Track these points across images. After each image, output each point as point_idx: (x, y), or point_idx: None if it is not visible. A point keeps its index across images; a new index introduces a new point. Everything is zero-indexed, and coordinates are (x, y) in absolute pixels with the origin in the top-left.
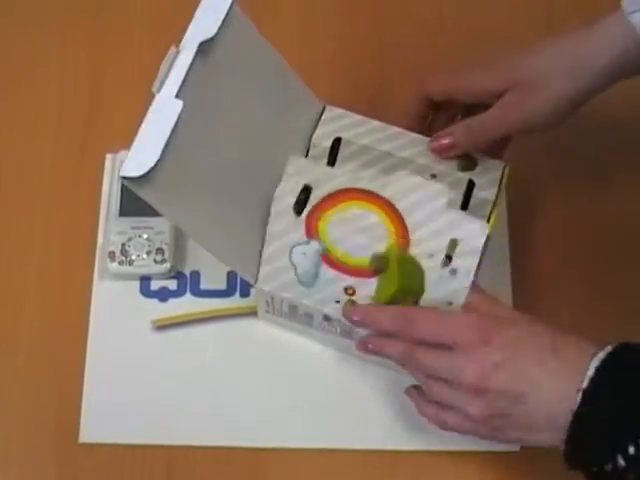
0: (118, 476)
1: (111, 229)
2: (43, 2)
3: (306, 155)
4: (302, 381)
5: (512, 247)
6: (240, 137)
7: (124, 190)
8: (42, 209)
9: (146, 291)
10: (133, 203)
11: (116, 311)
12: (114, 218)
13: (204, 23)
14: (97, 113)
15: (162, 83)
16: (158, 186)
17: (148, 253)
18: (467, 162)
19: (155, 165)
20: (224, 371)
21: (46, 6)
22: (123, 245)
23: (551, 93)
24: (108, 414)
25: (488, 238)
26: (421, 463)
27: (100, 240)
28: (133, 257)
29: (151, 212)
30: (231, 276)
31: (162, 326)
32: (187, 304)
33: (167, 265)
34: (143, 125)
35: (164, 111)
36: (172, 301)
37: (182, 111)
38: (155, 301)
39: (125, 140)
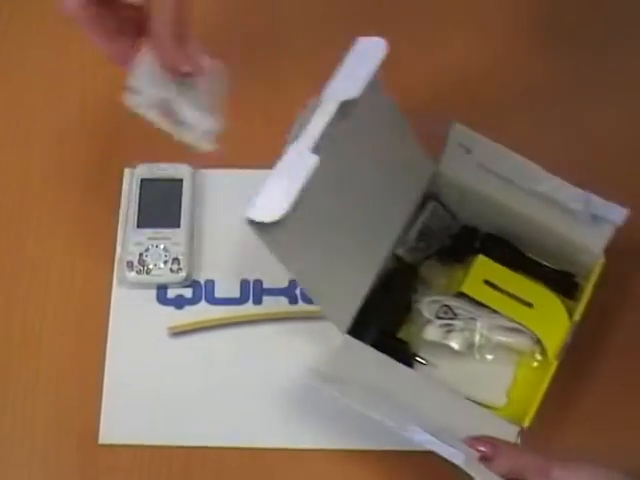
0: (136, 476)
1: (129, 240)
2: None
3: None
4: (314, 385)
5: None
6: (359, 196)
7: (141, 202)
8: (63, 220)
9: (163, 299)
10: (150, 215)
11: (134, 318)
12: (132, 229)
13: (347, 82)
14: (117, 128)
15: (298, 134)
16: (281, 235)
17: (165, 263)
18: None
19: (283, 216)
20: (237, 375)
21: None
22: (141, 255)
23: None
24: (127, 416)
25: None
26: (424, 463)
27: (119, 250)
28: (150, 266)
29: (167, 224)
30: (244, 285)
31: (178, 332)
32: (202, 311)
33: (183, 274)
34: (275, 172)
35: (298, 163)
36: (187, 308)
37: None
38: (171, 308)
39: (142, 154)
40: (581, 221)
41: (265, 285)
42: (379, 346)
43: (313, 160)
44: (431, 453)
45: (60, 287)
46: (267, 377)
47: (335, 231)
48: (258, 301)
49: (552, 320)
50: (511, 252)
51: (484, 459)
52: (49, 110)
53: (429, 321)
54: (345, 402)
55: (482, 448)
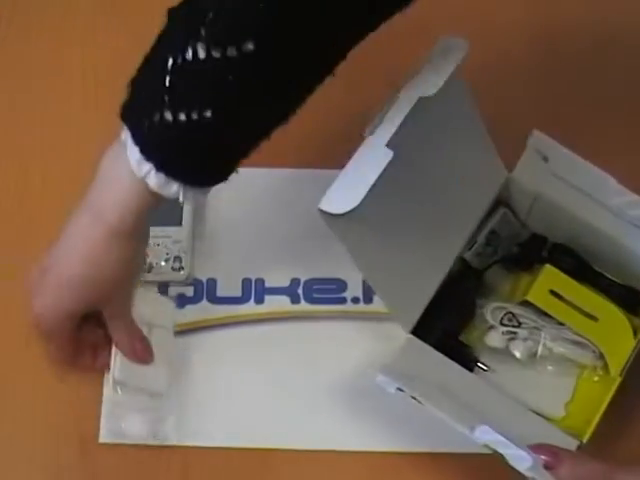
0: (135, 476)
1: None
2: (65, 14)
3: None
4: (315, 385)
5: None
6: (431, 195)
7: None
8: (63, 220)
9: None
10: (152, 213)
11: (135, 316)
12: None
13: (426, 79)
14: (118, 126)
15: (376, 127)
16: (350, 226)
17: (166, 261)
18: None
19: (355, 208)
20: (238, 374)
21: (69, 15)
22: None
23: None
24: (128, 415)
25: None
26: (426, 464)
27: None
28: (152, 264)
29: (169, 222)
30: (246, 284)
31: (179, 331)
32: (203, 310)
33: (184, 272)
34: (350, 164)
35: (373, 157)
36: (189, 307)
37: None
38: None
39: None
40: None
41: (267, 284)
42: (441, 348)
43: (388, 155)
44: (435, 455)
45: None
46: (269, 376)
47: (405, 228)
48: (260, 300)
49: (616, 335)
50: (578, 264)
51: (546, 468)
52: (49, 110)
53: (492, 327)
54: (412, 398)
55: (544, 456)
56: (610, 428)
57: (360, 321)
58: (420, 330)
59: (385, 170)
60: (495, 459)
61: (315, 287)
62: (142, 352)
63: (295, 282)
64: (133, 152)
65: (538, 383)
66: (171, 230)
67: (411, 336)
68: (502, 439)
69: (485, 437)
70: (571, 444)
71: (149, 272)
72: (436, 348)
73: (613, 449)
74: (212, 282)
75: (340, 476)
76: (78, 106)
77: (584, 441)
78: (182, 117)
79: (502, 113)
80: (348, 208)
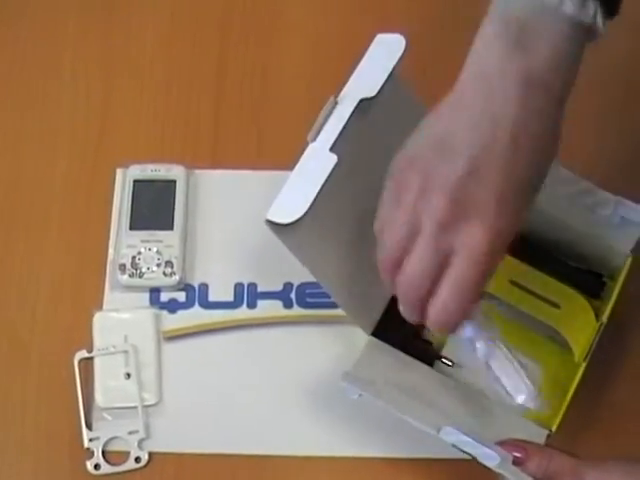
0: None
1: (122, 242)
2: (55, 16)
3: None
4: (308, 390)
5: None
6: (380, 195)
7: (134, 204)
8: (54, 222)
9: (156, 302)
10: (143, 217)
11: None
12: (125, 231)
13: (366, 80)
14: (108, 128)
15: (318, 133)
16: (300, 235)
17: (158, 266)
18: None
19: (302, 216)
20: (231, 380)
21: (58, 20)
22: (133, 258)
23: None
24: (118, 421)
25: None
26: (422, 471)
27: (111, 253)
28: (143, 270)
29: (160, 226)
30: (238, 288)
31: (171, 337)
32: (196, 315)
33: (176, 277)
34: (294, 172)
35: (317, 163)
36: (181, 312)
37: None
38: (164, 312)
39: (135, 154)
40: (609, 223)
41: (260, 289)
42: (403, 347)
43: (332, 159)
44: (432, 461)
45: (51, 291)
46: (263, 382)
47: (356, 231)
48: (252, 305)
49: (579, 321)
50: (536, 251)
51: (516, 463)
52: (40, 111)
53: None
54: (379, 404)
55: (514, 452)
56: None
57: (354, 326)
58: (381, 331)
59: (331, 175)
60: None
61: (308, 291)
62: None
63: (288, 287)
64: None
65: (503, 375)
66: (162, 234)
67: (372, 338)
68: (467, 439)
69: (451, 438)
70: (541, 434)
71: (140, 277)
72: (399, 347)
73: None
74: (204, 287)
75: None
76: (68, 106)
77: (553, 430)
78: None
79: None
80: (296, 217)
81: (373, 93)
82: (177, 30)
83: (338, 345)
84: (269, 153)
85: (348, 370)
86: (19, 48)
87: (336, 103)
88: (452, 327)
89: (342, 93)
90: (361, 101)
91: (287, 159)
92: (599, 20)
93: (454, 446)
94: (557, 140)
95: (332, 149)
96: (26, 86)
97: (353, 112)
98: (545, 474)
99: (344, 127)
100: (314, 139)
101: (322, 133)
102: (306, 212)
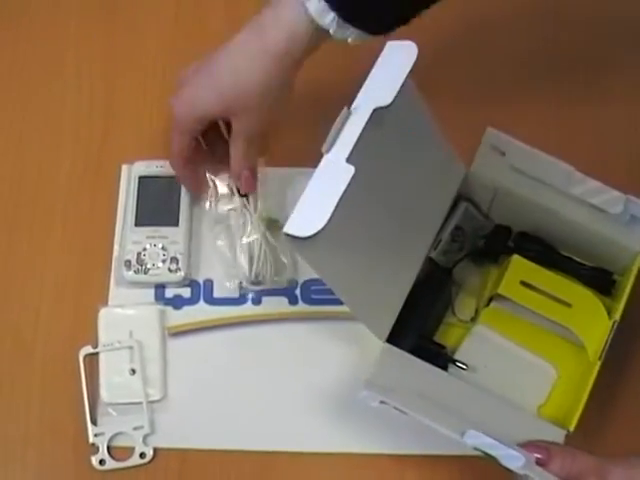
0: (132, 477)
1: (127, 239)
2: (58, 14)
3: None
4: (311, 386)
5: None
6: (395, 201)
7: (139, 200)
8: (59, 219)
9: (161, 298)
10: (148, 213)
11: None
12: (130, 228)
13: (379, 89)
14: (113, 125)
15: (332, 144)
16: (319, 248)
17: (163, 262)
18: None
19: (321, 229)
20: (236, 376)
21: (61, 18)
22: (139, 254)
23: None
24: (123, 416)
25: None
26: (427, 467)
27: (116, 249)
28: (148, 266)
29: (166, 222)
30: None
31: (176, 333)
32: (200, 311)
33: (181, 274)
34: (311, 184)
35: (334, 174)
36: (186, 309)
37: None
38: (169, 308)
39: (140, 151)
40: (619, 221)
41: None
42: (417, 351)
43: (349, 171)
44: (437, 457)
45: (55, 287)
46: (267, 378)
47: (371, 239)
48: (257, 301)
49: (592, 319)
50: (546, 250)
51: (538, 464)
52: (44, 109)
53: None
54: (405, 412)
55: (536, 454)
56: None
57: (358, 322)
58: (395, 336)
59: (348, 186)
60: (491, 462)
61: (313, 288)
62: (247, 180)
63: (293, 283)
64: None
65: (519, 377)
66: (168, 231)
67: (387, 345)
68: (492, 441)
69: (475, 441)
70: (559, 434)
71: (145, 274)
72: (412, 352)
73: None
74: (209, 283)
75: (338, 479)
76: (73, 103)
77: (571, 429)
78: None
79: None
80: (315, 230)
81: (387, 102)
82: (180, 26)
83: (342, 341)
84: (273, 149)
85: (368, 378)
86: (22, 47)
87: (350, 113)
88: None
89: (355, 103)
90: (375, 110)
91: (290, 156)
92: (334, 28)
93: (476, 449)
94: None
95: (348, 160)
96: (29, 85)
97: (367, 122)
98: (569, 474)
99: (359, 137)
100: (329, 150)
101: (337, 144)
102: (325, 225)
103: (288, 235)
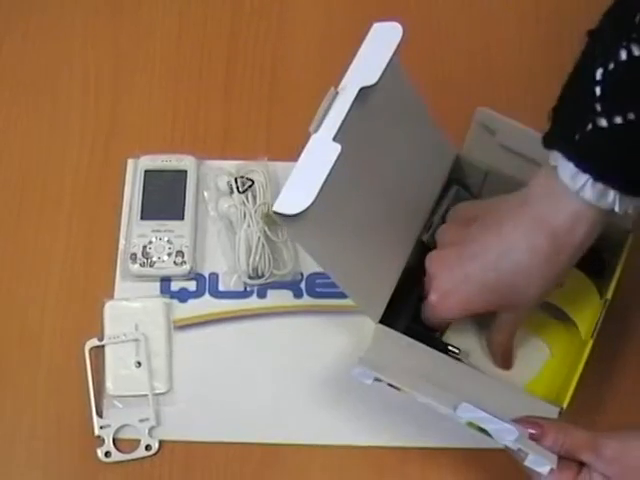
0: (137, 469)
1: (133, 232)
2: (65, 10)
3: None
4: (316, 379)
5: None
6: (384, 182)
7: (145, 194)
8: (65, 213)
9: (166, 292)
10: (154, 207)
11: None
12: (136, 221)
13: (365, 68)
14: (120, 118)
15: (320, 124)
16: (307, 226)
17: (168, 255)
18: None
19: (309, 206)
20: (241, 369)
21: (68, 13)
22: (144, 247)
23: None
24: (128, 410)
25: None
26: (430, 459)
27: (122, 242)
28: (154, 259)
29: (171, 215)
30: None
31: (182, 326)
32: (206, 305)
33: (187, 267)
34: (299, 163)
35: (321, 153)
36: (191, 302)
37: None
38: (175, 301)
39: (146, 145)
40: None
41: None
42: (410, 334)
43: (336, 149)
44: (440, 450)
45: (61, 280)
46: (272, 371)
47: (361, 220)
48: (263, 294)
49: (583, 299)
50: None
51: (532, 439)
52: (51, 103)
53: None
54: (399, 388)
55: (530, 429)
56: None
57: (363, 315)
58: (388, 318)
59: (335, 165)
60: (493, 454)
61: (318, 281)
62: (502, 363)
63: (298, 276)
64: (566, 169)
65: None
66: (173, 224)
67: (379, 325)
68: (485, 415)
69: (468, 415)
70: (552, 412)
71: (151, 267)
72: (405, 334)
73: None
74: (214, 276)
75: (342, 471)
76: (79, 97)
77: (564, 407)
78: (618, 120)
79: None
80: (302, 207)
81: (373, 81)
82: (187, 22)
83: (347, 334)
84: (278, 144)
85: (361, 356)
86: (29, 41)
87: (337, 93)
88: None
89: (342, 83)
90: (361, 90)
91: (295, 150)
92: (618, 204)
93: (470, 425)
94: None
95: (335, 139)
96: (36, 79)
97: (354, 101)
98: (562, 448)
99: (346, 116)
100: (316, 130)
101: (324, 123)
102: (312, 202)
103: (277, 213)
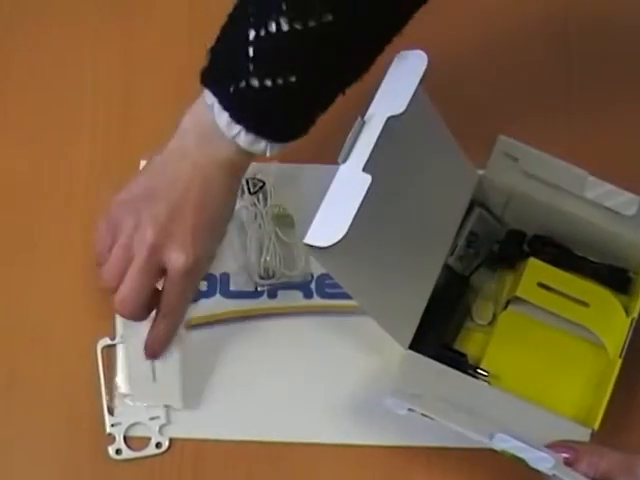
0: (147, 467)
1: None
2: (76, 9)
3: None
4: (325, 379)
5: None
6: (411, 209)
7: None
8: (77, 213)
9: None
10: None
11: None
12: None
13: (391, 97)
14: (132, 119)
15: (348, 153)
16: (338, 257)
17: None
18: None
19: (341, 239)
20: (251, 368)
21: (79, 12)
22: None
23: None
24: (138, 407)
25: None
26: (436, 459)
27: None
28: None
29: None
30: None
31: (193, 325)
32: (217, 304)
33: None
34: (329, 194)
35: (351, 184)
36: (203, 301)
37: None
38: None
39: (158, 147)
40: (633, 222)
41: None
42: (439, 359)
43: (366, 180)
44: (446, 450)
45: (71, 281)
46: (282, 371)
47: (390, 247)
48: (273, 295)
49: (610, 317)
50: (560, 252)
51: (567, 464)
52: (63, 105)
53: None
54: (432, 418)
55: (564, 453)
56: (620, 412)
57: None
58: (416, 344)
59: (365, 195)
60: (500, 455)
61: (328, 282)
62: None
63: (308, 277)
64: (222, 116)
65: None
66: None
67: (409, 351)
68: (521, 444)
69: (504, 445)
70: (584, 433)
71: None
72: (434, 359)
73: (626, 433)
74: (225, 276)
75: (352, 470)
76: (91, 99)
77: (595, 428)
78: (268, 83)
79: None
80: (335, 240)
81: (400, 110)
82: (198, 22)
83: (357, 335)
84: (289, 146)
85: (394, 386)
86: (41, 47)
87: (364, 122)
88: (160, 341)
89: (369, 112)
90: (388, 119)
91: (300, 153)
92: (269, 150)
93: (504, 452)
94: (231, 194)
95: (365, 169)
96: (48, 81)
97: (382, 131)
98: (597, 472)
99: (374, 146)
100: (345, 160)
101: (353, 154)
102: (344, 234)
103: (308, 245)
